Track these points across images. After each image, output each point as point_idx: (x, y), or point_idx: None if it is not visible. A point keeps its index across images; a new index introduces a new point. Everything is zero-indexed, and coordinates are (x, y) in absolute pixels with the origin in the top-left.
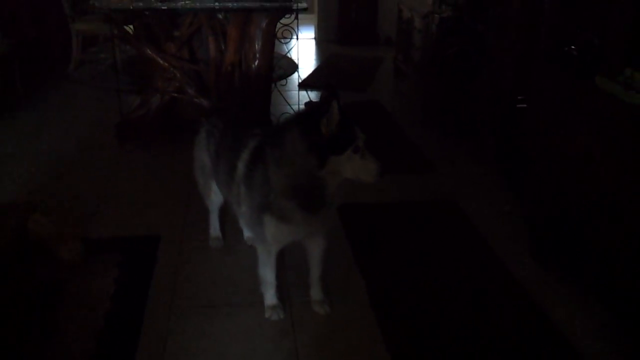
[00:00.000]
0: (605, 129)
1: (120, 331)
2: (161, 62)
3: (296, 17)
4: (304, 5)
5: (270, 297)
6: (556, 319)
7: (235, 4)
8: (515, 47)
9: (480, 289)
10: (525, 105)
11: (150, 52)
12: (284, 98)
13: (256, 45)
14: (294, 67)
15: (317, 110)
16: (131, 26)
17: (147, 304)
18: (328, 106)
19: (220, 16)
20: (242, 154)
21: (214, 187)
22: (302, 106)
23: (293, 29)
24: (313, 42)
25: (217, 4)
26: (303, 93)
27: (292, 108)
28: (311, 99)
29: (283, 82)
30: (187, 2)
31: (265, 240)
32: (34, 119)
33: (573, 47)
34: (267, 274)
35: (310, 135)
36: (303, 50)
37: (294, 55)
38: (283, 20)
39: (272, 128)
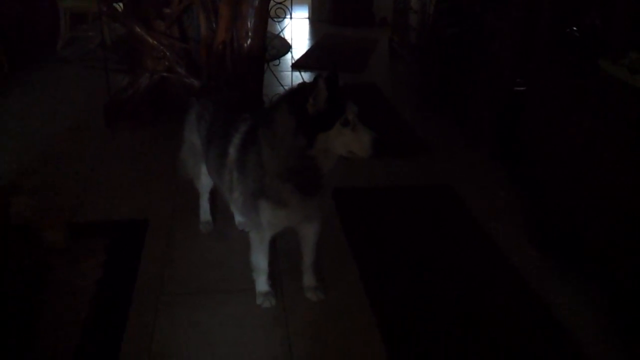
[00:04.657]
0: (610, 113)
1: (106, 318)
2: (150, 40)
3: None
4: None
5: (262, 283)
6: (552, 304)
7: None
8: (515, 28)
9: (475, 274)
10: (524, 88)
11: (139, 30)
12: (277, 79)
13: (248, 24)
14: (287, 47)
15: (305, 88)
16: (120, 3)
17: (135, 290)
18: (315, 86)
19: None
20: (233, 139)
21: (204, 169)
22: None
23: (286, 8)
24: (307, 22)
25: None
26: (296, 74)
27: (284, 89)
28: (304, 80)
29: (276, 62)
30: None
31: (260, 226)
32: (20, 99)
33: (575, 29)
34: (260, 260)
35: (297, 114)
36: (296, 30)
37: (287, 35)
38: None
39: (264, 109)
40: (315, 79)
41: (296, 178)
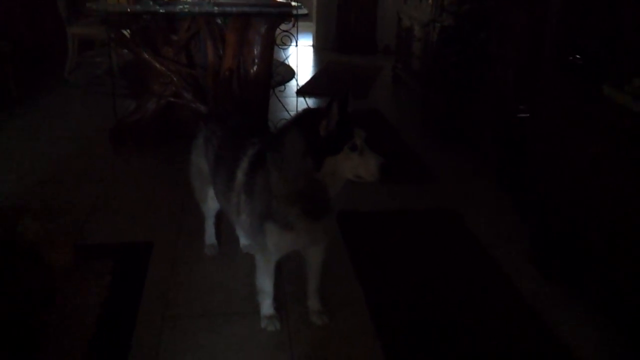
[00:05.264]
0: (614, 140)
1: (111, 340)
2: (158, 66)
3: (295, 23)
4: (304, 11)
5: (266, 307)
6: (560, 331)
7: (234, 9)
8: (518, 55)
9: (482, 301)
10: (527, 115)
11: (147, 56)
12: (282, 104)
13: (255, 51)
14: (291, 73)
15: (318, 112)
16: (128, 30)
17: (140, 312)
18: (329, 108)
19: (219, 21)
20: (241, 162)
21: (211, 193)
22: None
23: (292, 35)
24: (311, 49)
25: (215, 8)
26: (301, 100)
27: (289, 115)
28: (309, 106)
29: (281, 88)
30: (185, 6)
31: (266, 249)
32: (28, 123)
33: (578, 56)
34: (265, 283)
35: (307, 137)
36: (301, 57)
37: (292, 62)
38: (282, 26)
39: (272, 133)
40: (331, 102)
41: (303, 201)
